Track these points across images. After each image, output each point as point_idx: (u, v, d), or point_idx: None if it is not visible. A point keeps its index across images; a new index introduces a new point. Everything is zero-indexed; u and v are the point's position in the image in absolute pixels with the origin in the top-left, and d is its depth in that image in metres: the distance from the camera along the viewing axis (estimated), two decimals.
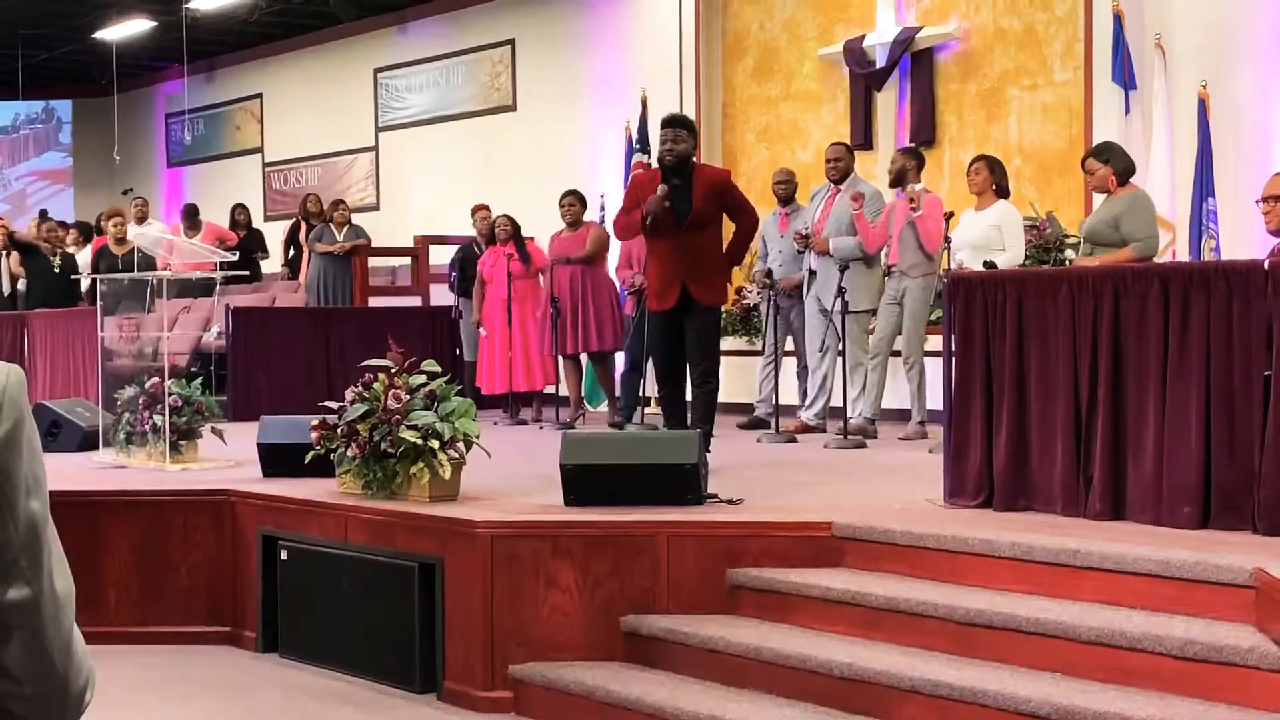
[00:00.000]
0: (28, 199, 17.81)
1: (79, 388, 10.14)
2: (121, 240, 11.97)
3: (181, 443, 7.10)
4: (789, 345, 9.17)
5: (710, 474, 5.62)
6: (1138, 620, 4.07)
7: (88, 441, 7.87)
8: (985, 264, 6.73)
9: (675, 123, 6.77)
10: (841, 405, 8.15)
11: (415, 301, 12.05)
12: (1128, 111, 8.62)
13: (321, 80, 15.14)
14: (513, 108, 13.12)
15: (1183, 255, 8.14)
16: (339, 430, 5.71)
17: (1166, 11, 8.65)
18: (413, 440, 5.44)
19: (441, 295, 11.23)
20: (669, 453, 5.37)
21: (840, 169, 8.56)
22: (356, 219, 12.63)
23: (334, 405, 5.85)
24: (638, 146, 11.11)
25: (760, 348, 9.38)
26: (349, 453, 5.65)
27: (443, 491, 5.52)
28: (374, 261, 12.61)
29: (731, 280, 7.79)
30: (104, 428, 7.61)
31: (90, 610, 5.32)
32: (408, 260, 12.77)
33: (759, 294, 9.08)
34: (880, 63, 10.06)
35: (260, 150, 16.15)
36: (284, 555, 5.94)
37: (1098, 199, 7.19)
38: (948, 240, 7.34)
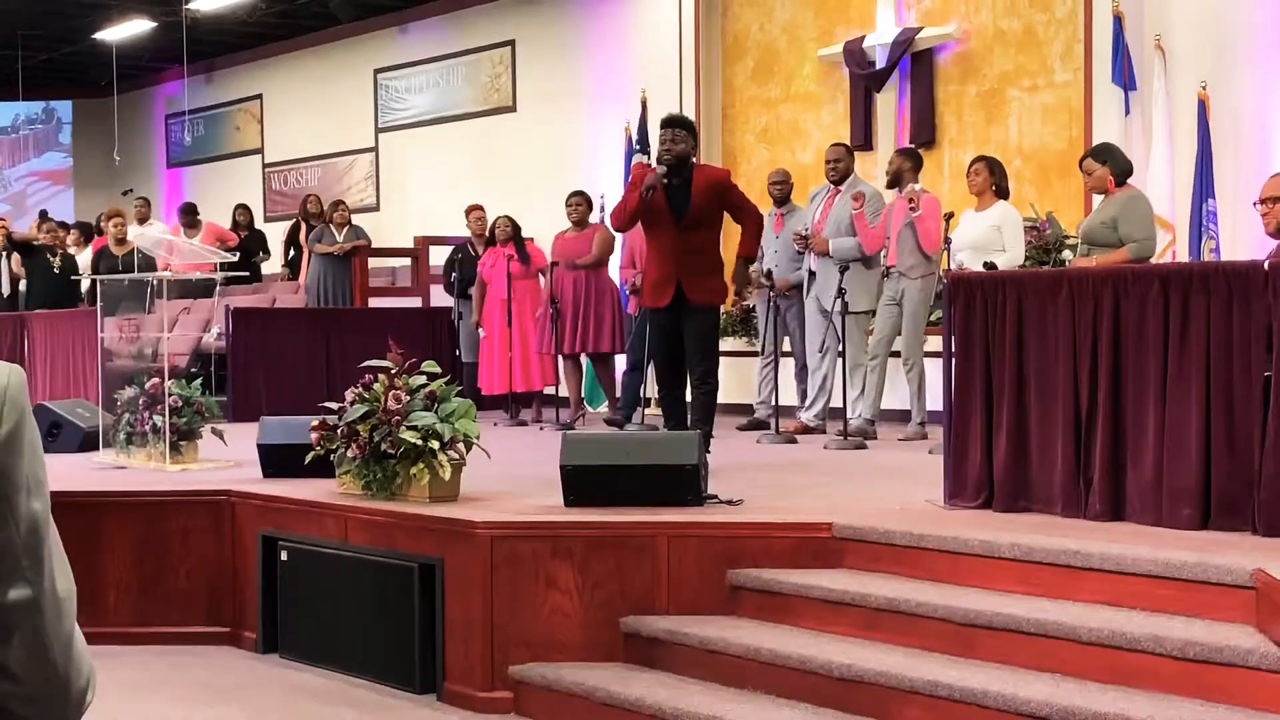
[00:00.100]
0: (28, 200, 17.81)
1: (79, 388, 10.14)
2: (122, 241, 11.97)
3: (181, 443, 7.10)
4: (787, 346, 9.17)
5: (710, 475, 5.62)
6: (1138, 621, 4.07)
7: (88, 442, 7.87)
8: (985, 265, 6.73)
9: (674, 123, 6.78)
10: (841, 406, 8.15)
11: (415, 302, 12.05)
12: (1127, 112, 8.63)
13: (321, 81, 15.14)
14: (513, 109, 13.12)
15: (1183, 256, 8.14)
16: (339, 431, 5.71)
17: (1166, 13, 8.65)
18: (413, 441, 5.44)
19: (441, 296, 11.24)
20: (669, 453, 5.37)
21: (840, 170, 8.56)
22: (356, 220, 12.63)
23: (334, 406, 5.84)
24: (637, 147, 11.12)
25: (759, 349, 9.38)
26: (349, 453, 5.65)
27: (443, 492, 5.52)
28: (374, 262, 12.62)
29: (752, 281, 7.82)
30: (104, 428, 7.61)
31: (90, 610, 5.31)
32: (407, 261, 12.77)
33: (755, 293, 9.07)
34: (880, 64, 10.06)
35: (260, 151, 16.16)
36: (284, 556, 5.94)
37: (1096, 200, 7.19)
38: (947, 241, 7.34)
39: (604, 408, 9.95)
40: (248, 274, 12.33)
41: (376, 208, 14.55)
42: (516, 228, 9.86)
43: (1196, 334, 4.74)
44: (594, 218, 9.98)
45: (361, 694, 5.40)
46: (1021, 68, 9.61)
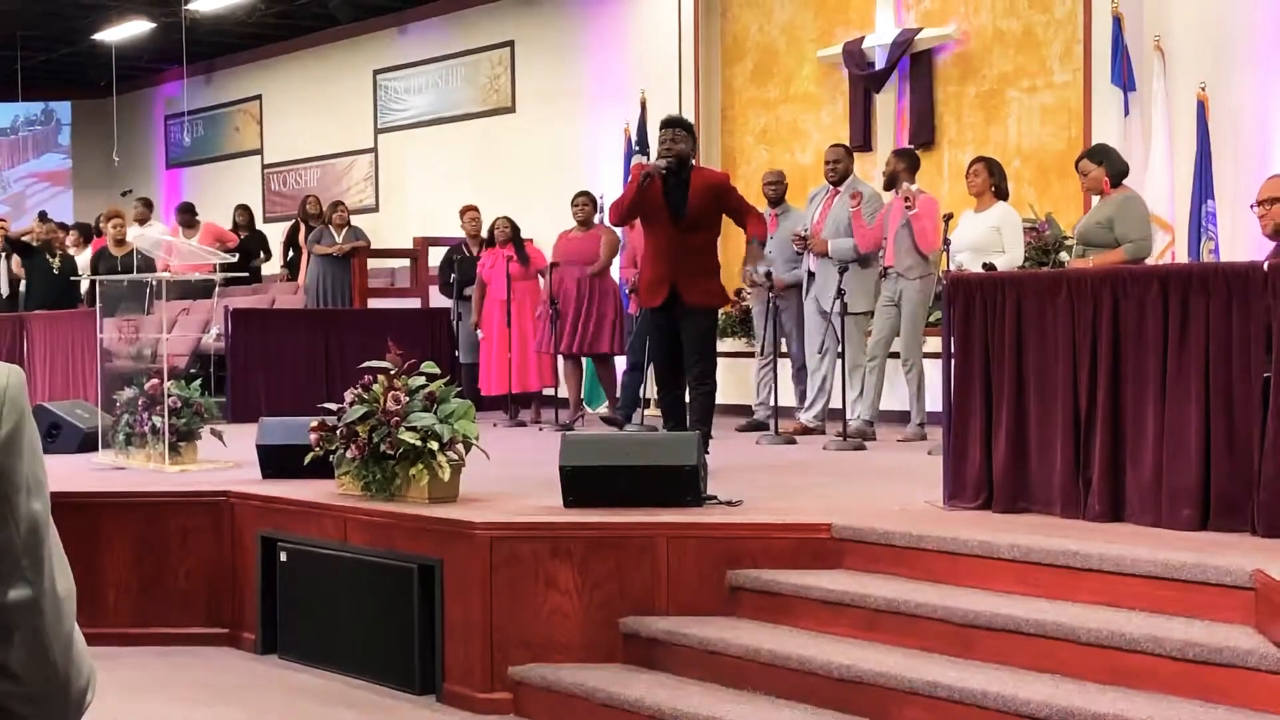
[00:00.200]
0: (27, 201, 17.80)
1: (78, 389, 10.14)
2: (121, 242, 11.97)
3: (181, 444, 7.10)
4: (786, 347, 9.17)
5: (709, 475, 5.62)
6: (1137, 622, 4.07)
7: (87, 443, 7.87)
8: (984, 266, 6.73)
9: (674, 124, 6.81)
10: (840, 407, 8.15)
11: (414, 303, 12.05)
12: (1127, 113, 8.63)
13: (321, 82, 15.14)
14: (512, 109, 13.12)
15: (1182, 257, 8.14)
16: (338, 432, 5.71)
17: (1166, 13, 8.65)
18: (412, 442, 5.44)
19: (441, 297, 11.24)
20: (668, 454, 5.37)
21: (839, 171, 8.56)
22: (355, 220, 12.63)
23: (333, 407, 5.84)
24: (637, 148, 11.12)
25: (756, 350, 9.37)
26: (348, 454, 5.65)
27: (442, 493, 5.52)
28: (373, 263, 12.62)
29: (757, 280, 7.78)
30: (103, 429, 7.61)
31: (89, 611, 5.31)
32: (407, 262, 12.77)
33: (753, 294, 9.09)
34: (879, 64, 10.06)
35: (259, 152, 16.16)
36: (283, 557, 5.94)
37: (1095, 201, 7.19)
38: (947, 242, 7.34)
39: (603, 408, 9.95)
40: (247, 275, 12.32)
41: (376, 209, 14.55)
42: (515, 229, 9.86)
43: (1196, 335, 4.74)
44: (596, 218, 9.99)
45: (361, 695, 5.40)
46: (1021, 68, 9.61)
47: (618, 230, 9.47)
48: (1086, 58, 9.05)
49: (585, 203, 9.65)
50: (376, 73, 14.50)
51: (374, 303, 11.98)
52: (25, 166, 18.26)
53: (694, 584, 5.02)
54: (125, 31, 14.74)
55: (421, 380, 5.63)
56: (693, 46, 11.22)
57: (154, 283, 7.69)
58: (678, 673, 4.81)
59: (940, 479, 5.43)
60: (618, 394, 9.41)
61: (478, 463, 5.72)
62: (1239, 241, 7.98)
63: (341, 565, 5.70)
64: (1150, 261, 7.22)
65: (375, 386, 5.63)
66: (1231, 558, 4.13)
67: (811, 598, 4.79)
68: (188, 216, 13.27)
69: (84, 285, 12.10)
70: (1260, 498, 4.56)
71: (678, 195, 6.58)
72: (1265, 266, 4.65)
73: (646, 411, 9.10)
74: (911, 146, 9.33)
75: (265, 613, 6.03)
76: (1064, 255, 8.55)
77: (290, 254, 13.46)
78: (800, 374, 8.96)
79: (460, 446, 5.53)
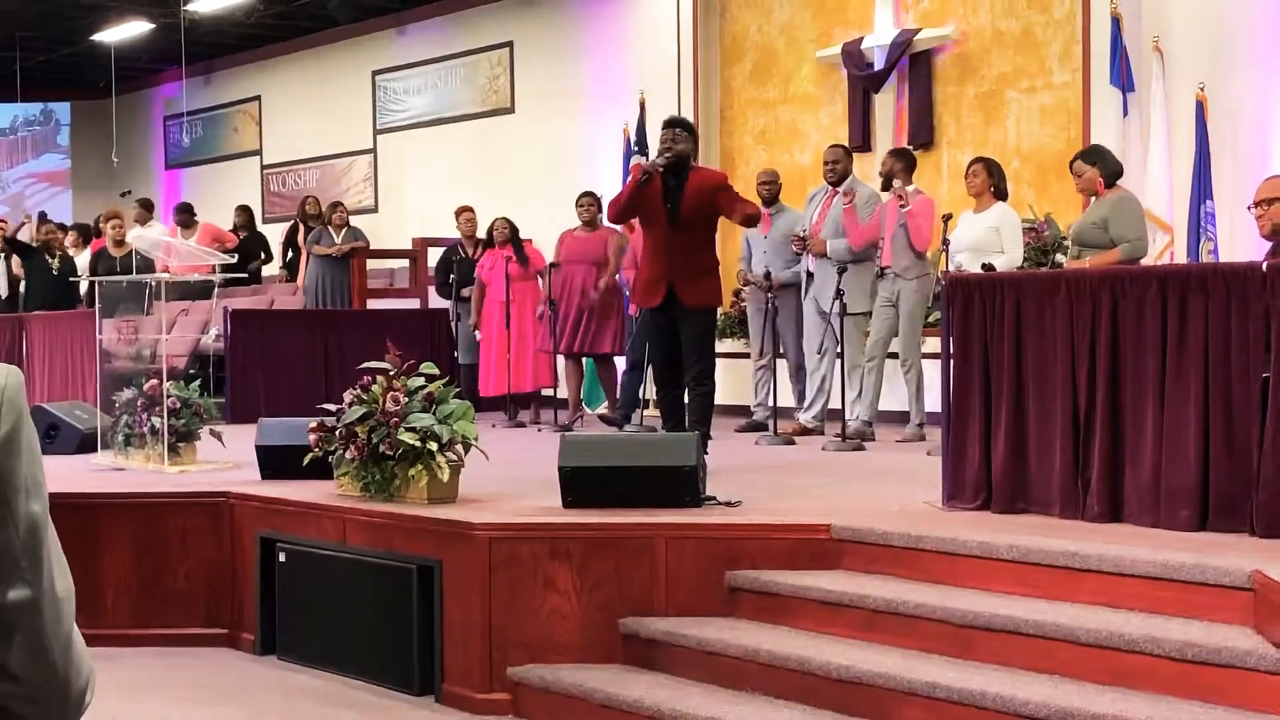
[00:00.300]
0: (26, 201, 17.80)
1: (77, 390, 10.13)
2: (120, 242, 11.97)
3: (180, 445, 7.10)
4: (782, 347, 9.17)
5: (708, 476, 5.62)
6: (1136, 622, 4.08)
7: (86, 443, 7.87)
8: (983, 266, 6.74)
9: (675, 124, 6.82)
10: (839, 407, 8.15)
11: (413, 304, 12.05)
12: (1126, 114, 8.63)
13: (320, 82, 15.14)
14: (511, 110, 13.12)
15: (1181, 258, 8.14)
16: (337, 432, 5.71)
17: (1165, 14, 8.66)
18: (411, 442, 5.44)
19: (439, 297, 11.24)
20: (667, 455, 5.37)
21: (838, 171, 8.57)
22: (355, 221, 12.64)
23: (332, 407, 5.84)
24: (636, 149, 11.12)
25: (753, 351, 9.36)
26: (347, 455, 5.65)
27: (441, 494, 5.52)
28: (372, 264, 12.62)
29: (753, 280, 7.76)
30: (102, 430, 7.60)
31: (88, 612, 5.31)
32: (406, 262, 12.77)
33: (749, 292, 9.09)
34: (878, 65, 10.07)
35: (259, 152, 16.16)
36: (282, 557, 5.94)
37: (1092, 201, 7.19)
38: (946, 242, 7.35)
39: (603, 408, 9.95)
40: (246, 276, 12.33)
41: (375, 209, 14.55)
42: (514, 229, 9.87)
43: (1195, 335, 4.74)
44: (601, 218, 10.00)
45: (360, 695, 5.40)
46: (1020, 69, 9.61)
47: (619, 229, 9.48)
48: (1085, 58, 9.06)
49: (590, 203, 9.65)
50: (375, 73, 14.50)
51: (373, 303, 11.98)
52: (24, 167, 18.26)
53: (693, 584, 5.03)
54: (124, 32, 14.73)
55: (420, 381, 5.63)
56: (691, 47, 11.22)
57: (153, 283, 7.69)
58: (677, 673, 4.81)
59: (939, 479, 5.43)
60: (617, 394, 9.41)
61: (477, 463, 5.72)
62: (1238, 242, 7.98)
63: (340, 566, 5.70)
64: (1149, 262, 7.22)
65: (374, 387, 5.63)
66: (1230, 558, 4.14)
67: (810, 598, 4.79)
68: (185, 217, 13.27)
69: (83, 286, 12.09)
70: (1259, 498, 4.56)
71: (676, 195, 6.58)
72: (1264, 267, 4.65)
73: (645, 412, 9.10)
74: (909, 147, 9.33)
75: (264, 613, 6.03)
76: (1059, 257, 8.55)
77: (289, 255, 13.46)
78: (798, 374, 8.96)
79: (459, 447, 5.53)
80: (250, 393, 10.05)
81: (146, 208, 14.24)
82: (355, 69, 14.65)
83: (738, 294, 9.96)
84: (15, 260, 12.82)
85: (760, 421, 8.95)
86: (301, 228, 13.06)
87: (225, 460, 7.14)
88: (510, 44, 13.07)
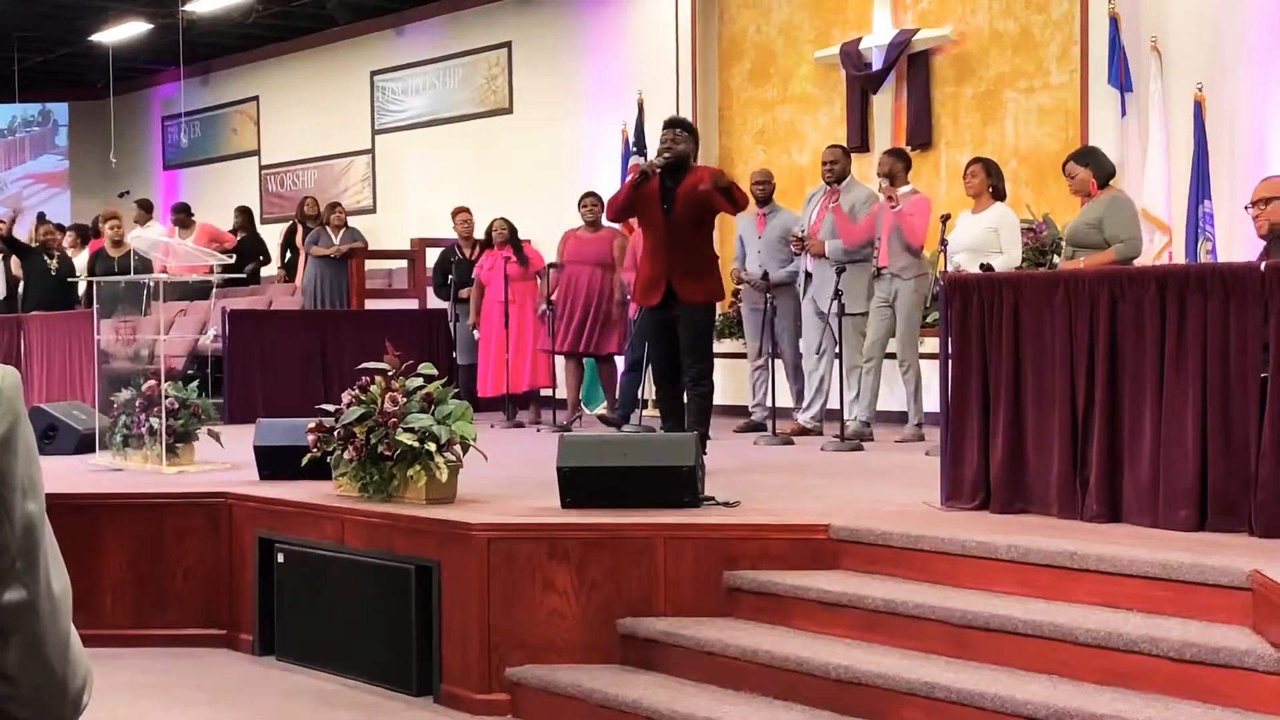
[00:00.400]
0: (24, 202, 17.79)
1: (75, 390, 10.13)
2: (118, 243, 11.96)
3: (178, 445, 7.09)
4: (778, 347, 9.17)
5: (707, 476, 5.62)
6: (1135, 622, 4.08)
7: (84, 444, 7.87)
8: (982, 266, 6.74)
9: (676, 124, 6.84)
10: (838, 408, 8.15)
11: (412, 304, 12.04)
12: (1124, 114, 8.63)
13: (318, 83, 15.14)
14: (509, 110, 13.12)
15: (1179, 258, 8.15)
16: (335, 433, 5.71)
17: (1163, 14, 8.66)
18: (409, 443, 5.44)
19: (438, 298, 11.23)
20: (666, 455, 5.37)
21: (836, 171, 8.57)
22: (353, 222, 12.64)
23: (330, 408, 5.84)
24: (634, 149, 11.12)
25: (752, 350, 9.36)
26: (345, 455, 5.65)
27: (439, 494, 5.52)
28: (370, 264, 12.62)
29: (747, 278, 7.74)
30: (100, 430, 7.60)
31: (86, 613, 5.31)
32: (404, 263, 12.77)
33: (744, 291, 9.09)
34: (876, 65, 10.07)
35: (257, 153, 16.15)
36: (280, 558, 5.94)
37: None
38: (944, 243, 7.35)
39: (601, 408, 9.95)
40: (244, 277, 12.33)
41: (373, 210, 14.55)
42: (513, 229, 9.86)
43: (1193, 335, 4.74)
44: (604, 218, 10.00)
45: (358, 696, 5.40)
46: (1018, 69, 9.62)
47: (618, 228, 9.48)
48: (1083, 58, 9.06)
49: (593, 203, 9.64)
50: (374, 74, 14.50)
51: (371, 304, 11.98)
52: (22, 168, 18.26)
53: (691, 585, 5.02)
54: (122, 33, 14.73)
55: (419, 381, 5.63)
56: (690, 47, 11.22)
57: (151, 284, 7.69)
58: (675, 674, 4.81)
59: (938, 480, 5.43)
60: (616, 395, 9.41)
61: (475, 464, 5.72)
62: (1236, 242, 7.98)
63: (339, 566, 5.70)
64: (1147, 262, 7.23)
65: (373, 388, 5.63)
66: (1229, 558, 4.14)
67: (809, 598, 4.79)
68: (183, 216, 13.26)
69: (81, 287, 12.09)
70: (1257, 498, 4.56)
71: (671, 195, 6.59)
72: (1262, 267, 4.65)
73: (644, 412, 9.10)
74: (903, 147, 9.32)
75: (262, 614, 6.02)
76: (1055, 258, 8.55)
77: (287, 255, 13.45)
78: (795, 374, 8.97)
79: (458, 447, 5.53)
80: (248, 393, 10.04)
81: (146, 208, 14.24)
82: (354, 69, 14.65)
83: (735, 294, 9.96)
84: (14, 261, 12.82)
85: (759, 422, 8.95)
86: (300, 228, 13.05)
87: (223, 461, 7.14)
88: (509, 44, 13.07)
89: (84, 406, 8.59)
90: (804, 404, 8.75)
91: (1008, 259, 7.38)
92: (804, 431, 8.50)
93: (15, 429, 1.11)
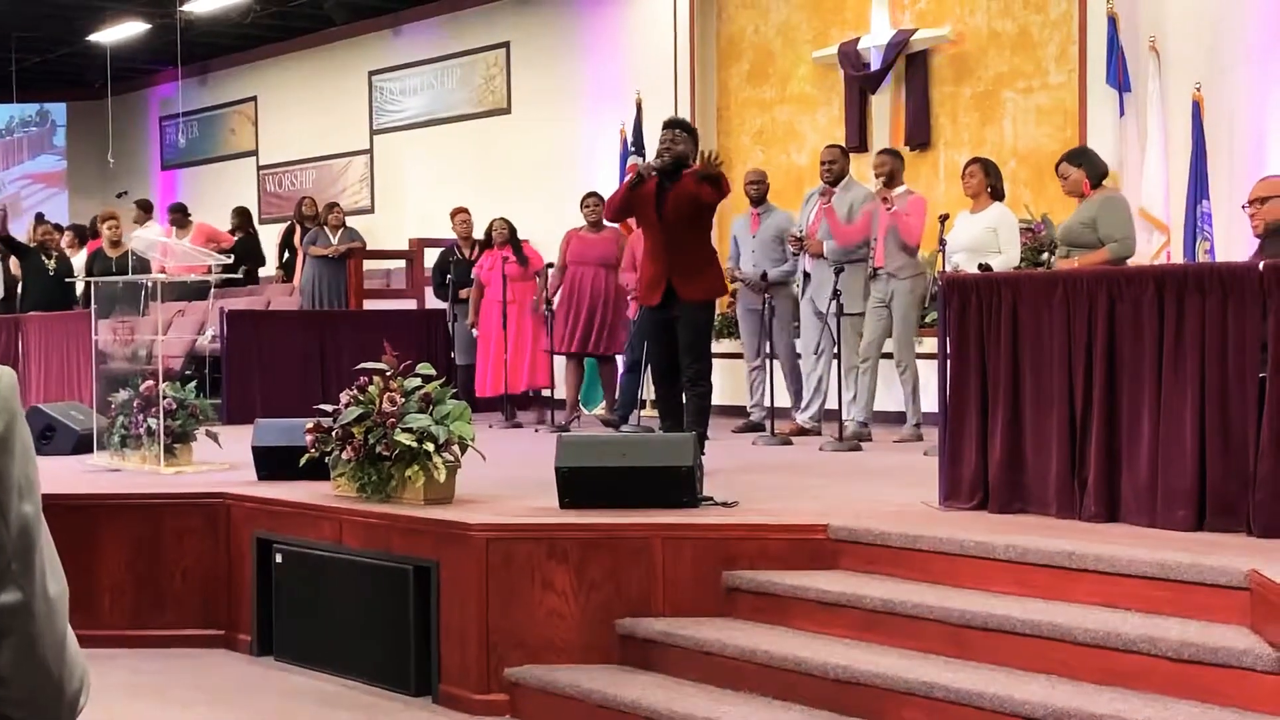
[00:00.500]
0: (22, 202, 17.78)
1: (73, 391, 10.12)
2: (116, 243, 11.95)
3: (176, 446, 7.09)
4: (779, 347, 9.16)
5: (705, 477, 5.62)
6: (1133, 622, 4.07)
7: (82, 445, 7.86)
8: (980, 266, 6.74)
9: (675, 125, 6.83)
10: (837, 408, 8.15)
11: (410, 304, 12.04)
12: (1122, 114, 8.64)
13: (316, 83, 15.14)
14: (507, 110, 13.12)
15: (1177, 257, 8.15)
16: (334, 433, 5.71)
17: (1161, 14, 8.66)
18: (408, 443, 5.43)
19: (436, 298, 11.23)
20: (664, 455, 5.37)
21: (835, 171, 8.57)
22: (351, 222, 12.63)
23: (329, 408, 5.84)
24: (632, 149, 11.12)
25: (748, 351, 9.36)
26: (344, 455, 5.64)
27: (438, 494, 5.52)
28: (368, 264, 12.61)
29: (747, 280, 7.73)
30: (98, 431, 7.59)
31: (84, 613, 5.31)
32: (402, 263, 12.76)
33: (740, 291, 9.09)
34: (875, 65, 10.07)
35: (255, 153, 16.15)
36: (279, 558, 5.93)
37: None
38: (943, 243, 7.35)
39: (600, 409, 9.95)
40: (242, 277, 12.32)
41: (371, 210, 14.54)
42: (513, 229, 9.86)
43: (1191, 335, 4.74)
44: None
45: (356, 696, 5.40)
46: (1016, 69, 9.62)
47: (618, 228, 9.49)
48: (1082, 58, 9.06)
49: (596, 204, 9.63)
50: (372, 74, 14.49)
51: (369, 304, 11.97)
52: (20, 168, 18.25)
53: (690, 585, 5.02)
54: (120, 33, 14.72)
55: (417, 382, 5.63)
56: (688, 47, 11.22)
57: (149, 284, 7.68)
58: (674, 674, 4.81)
59: (936, 480, 5.43)
60: (616, 395, 9.41)
61: (473, 464, 5.72)
62: (1234, 242, 7.98)
63: (337, 567, 5.69)
64: (1146, 262, 7.23)
65: (371, 388, 5.62)
66: (1227, 558, 4.14)
67: (808, 598, 4.79)
68: (179, 216, 13.26)
69: (79, 287, 12.08)
70: (1255, 498, 4.56)
71: (665, 196, 6.59)
72: (1260, 267, 4.65)
73: (643, 413, 9.09)
74: (895, 148, 9.31)
75: (261, 614, 6.02)
76: (1045, 256, 8.56)
77: (285, 255, 13.45)
78: (792, 374, 8.97)
79: (456, 448, 5.53)
80: (246, 394, 10.04)
81: (145, 209, 14.23)
82: (351, 69, 14.65)
83: (731, 294, 9.96)
84: (13, 261, 12.81)
85: (757, 422, 8.95)
86: (298, 228, 13.05)
87: (221, 461, 7.14)
88: (507, 44, 13.07)
89: (82, 407, 8.58)
90: (802, 404, 8.75)
91: (1006, 259, 7.38)
92: (802, 432, 8.50)
93: (12, 429, 1.10)
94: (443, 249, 10.86)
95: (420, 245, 12.27)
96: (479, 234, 10.31)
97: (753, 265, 8.89)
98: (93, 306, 8.19)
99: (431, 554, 5.28)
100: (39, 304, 12.05)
